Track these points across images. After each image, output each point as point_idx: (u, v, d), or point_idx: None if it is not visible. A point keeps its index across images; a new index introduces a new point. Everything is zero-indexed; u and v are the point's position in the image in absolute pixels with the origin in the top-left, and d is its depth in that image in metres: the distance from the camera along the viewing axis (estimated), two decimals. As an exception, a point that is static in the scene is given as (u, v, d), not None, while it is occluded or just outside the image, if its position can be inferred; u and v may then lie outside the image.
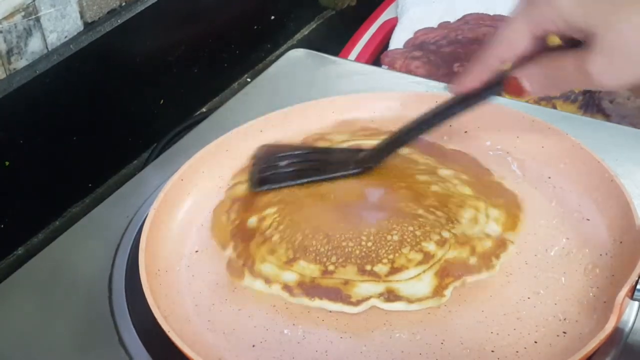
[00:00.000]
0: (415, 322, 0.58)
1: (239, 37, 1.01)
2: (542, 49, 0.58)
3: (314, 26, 1.16)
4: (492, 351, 0.55)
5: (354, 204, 0.65)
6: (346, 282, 0.59)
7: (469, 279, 0.59)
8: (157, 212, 0.65)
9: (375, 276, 0.59)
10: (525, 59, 0.58)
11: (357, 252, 0.61)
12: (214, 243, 0.66)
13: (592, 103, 0.90)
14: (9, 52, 0.74)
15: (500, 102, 0.72)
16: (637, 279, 0.55)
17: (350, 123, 0.76)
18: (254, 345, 0.57)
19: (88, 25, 0.82)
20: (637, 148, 0.72)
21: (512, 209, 0.65)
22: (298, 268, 0.61)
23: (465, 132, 0.74)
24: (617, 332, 0.56)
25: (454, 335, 0.57)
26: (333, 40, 1.11)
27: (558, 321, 0.57)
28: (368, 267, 0.60)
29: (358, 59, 1.04)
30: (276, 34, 1.09)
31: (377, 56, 1.06)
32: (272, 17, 1.08)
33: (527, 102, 0.89)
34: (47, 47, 0.78)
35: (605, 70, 0.53)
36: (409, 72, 0.98)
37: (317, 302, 0.59)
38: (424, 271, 0.59)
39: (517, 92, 0.59)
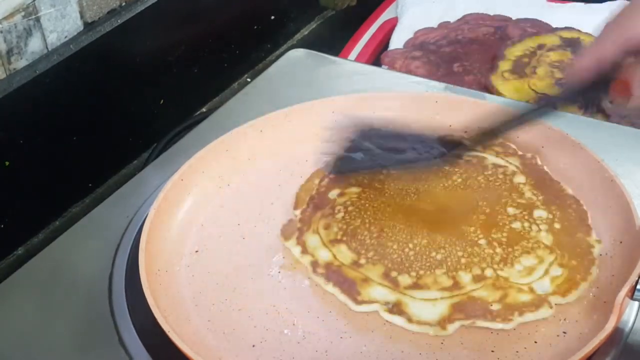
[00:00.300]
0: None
1: (239, 37, 1.01)
2: None
3: (314, 26, 1.16)
4: (492, 351, 0.55)
5: (425, 211, 0.66)
6: (365, 280, 0.60)
7: (480, 323, 0.57)
8: (157, 212, 0.65)
9: (394, 284, 0.60)
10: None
11: (395, 256, 0.62)
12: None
13: (592, 103, 0.90)
14: (9, 52, 0.74)
15: (501, 102, 0.72)
16: (637, 279, 0.55)
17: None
18: (254, 345, 0.57)
19: (88, 25, 0.82)
20: (637, 148, 0.72)
21: (577, 275, 0.60)
22: (336, 251, 0.63)
23: (466, 131, 0.74)
24: (617, 332, 0.56)
25: (454, 335, 0.57)
26: (333, 40, 1.11)
27: (558, 321, 0.57)
28: (393, 274, 0.60)
29: (358, 59, 1.04)
30: (276, 34, 1.09)
31: (377, 56, 1.05)
32: (272, 17, 1.08)
33: (527, 102, 0.89)
34: (47, 47, 0.78)
35: None
36: (409, 72, 0.98)
37: (330, 288, 0.60)
38: (442, 298, 0.59)
39: (625, 92, 0.60)
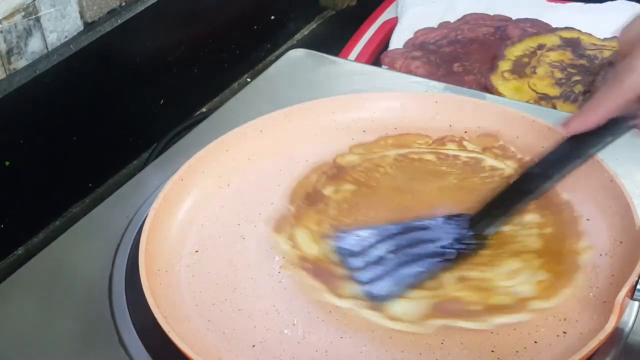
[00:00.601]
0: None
1: (239, 37, 1.01)
2: None
3: (314, 26, 1.16)
4: (492, 351, 0.55)
5: (417, 210, 0.66)
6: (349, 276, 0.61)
7: (458, 323, 0.57)
8: (157, 212, 0.65)
9: None
10: None
11: None
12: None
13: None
14: (9, 52, 0.74)
15: (500, 102, 0.72)
16: (637, 279, 0.55)
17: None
18: (254, 345, 0.57)
19: (88, 25, 0.82)
20: (637, 148, 0.72)
21: (560, 281, 0.59)
22: (324, 246, 0.63)
23: (465, 131, 0.74)
24: (617, 332, 0.56)
25: (454, 335, 0.57)
26: (333, 40, 1.11)
27: (558, 321, 0.57)
28: None
29: (358, 59, 1.04)
30: (276, 34, 1.09)
31: (377, 56, 1.05)
32: (272, 17, 1.08)
33: (527, 102, 0.89)
34: (47, 47, 0.78)
35: None
36: (409, 72, 0.98)
37: (314, 282, 0.61)
38: (424, 297, 0.59)
39: None
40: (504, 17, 1.09)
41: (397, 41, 1.07)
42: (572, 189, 0.67)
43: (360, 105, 0.77)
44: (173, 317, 0.58)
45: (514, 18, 1.08)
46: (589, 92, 0.91)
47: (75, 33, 0.81)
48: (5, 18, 0.73)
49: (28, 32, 0.76)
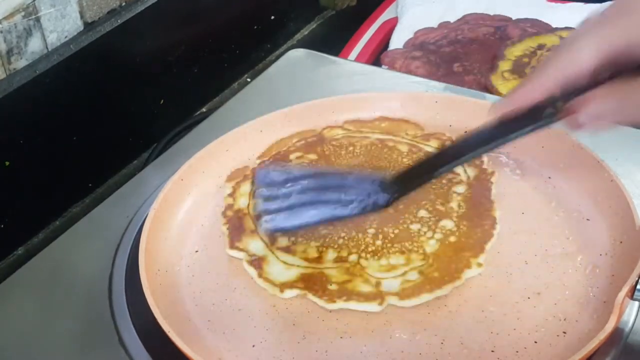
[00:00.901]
0: (415, 322, 0.58)
1: (239, 37, 1.01)
2: (607, 75, 0.51)
3: (314, 26, 1.16)
4: (492, 351, 0.55)
5: None
6: (253, 231, 0.65)
7: (310, 297, 0.59)
8: (157, 212, 0.65)
9: (272, 242, 0.64)
10: (581, 87, 0.51)
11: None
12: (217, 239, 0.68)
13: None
14: (9, 52, 0.74)
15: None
16: (637, 279, 0.55)
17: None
18: (254, 345, 0.57)
19: (88, 25, 0.82)
20: (637, 148, 0.72)
21: (428, 285, 0.59)
22: (253, 201, 0.67)
23: (465, 131, 0.74)
24: (617, 332, 0.56)
25: (454, 335, 0.57)
26: (333, 40, 1.11)
27: (558, 321, 0.57)
28: (278, 234, 0.64)
29: (358, 59, 1.04)
30: (276, 34, 1.09)
31: (377, 56, 1.05)
32: (272, 17, 1.08)
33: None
34: (47, 47, 0.78)
35: None
36: (409, 72, 0.98)
37: (224, 228, 0.66)
38: (298, 265, 0.62)
39: (574, 124, 0.52)
40: (504, 17, 1.09)
41: (397, 41, 1.07)
42: (572, 188, 0.67)
43: (360, 105, 0.77)
44: (173, 317, 0.58)
45: (514, 18, 1.08)
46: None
47: (75, 33, 0.81)
48: (5, 18, 0.73)
49: (28, 32, 0.76)
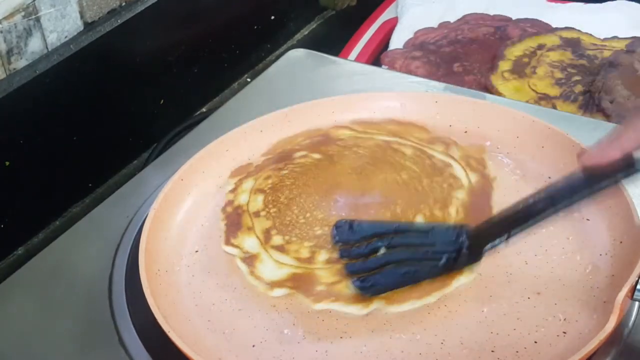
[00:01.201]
0: (415, 322, 0.58)
1: (239, 37, 1.01)
2: None
3: (314, 26, 1.16)
4: (492, 351, 0.55)
5: (349, 192, 0.68)
6: (250, 228, 0.66)
7: (297, 296, 0.60)
8: (157, 212, 0.65)
9: (266, 240, 0.64)
10: None
11: (289, 218, 0.66)
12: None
13: (592, 103, 0.90)
14: (9, 52, 0.74)
15: (500, 102, 0.72)
16: (637, 279, 0.55)
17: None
18: (254, 345, 0.57)
19: (88, 25, 0.82)
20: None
21: (417, 292, 0.59)
22: (253, 198, 0.68)
23: (465, 132, 0.74)
24: (617, 332, 0.56)
25: (454, 335, 0.57)
26: (333, 40, 1.11)
27: (558, 321, 0.57)
28: (273, 232, 0.65)
29: (358, 59, 1.04)
30: (276, 34, 1.09)
31: (377, 56, 1.06)
32: (272, 17, 1.08)
33: (527, 101, 0.89)
34: (47, 47, 0.78)
35: None
36: (409, 72, 0.98)
37: (221, 223, 0.67)
38: (290, 265, 0.62)
39: None
40: (504, 17, 1.09)
41: (397, 41, 1.07)
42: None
43: (360, 105, 0.77)
44: (173, 317, 0.58)
45: (514, 18, 1.08)
46: (588, 92, 0.91)
47: (75, 33, 0.81)
48: (5, 18, 0.73)
49: (28, 32, 0.76)
